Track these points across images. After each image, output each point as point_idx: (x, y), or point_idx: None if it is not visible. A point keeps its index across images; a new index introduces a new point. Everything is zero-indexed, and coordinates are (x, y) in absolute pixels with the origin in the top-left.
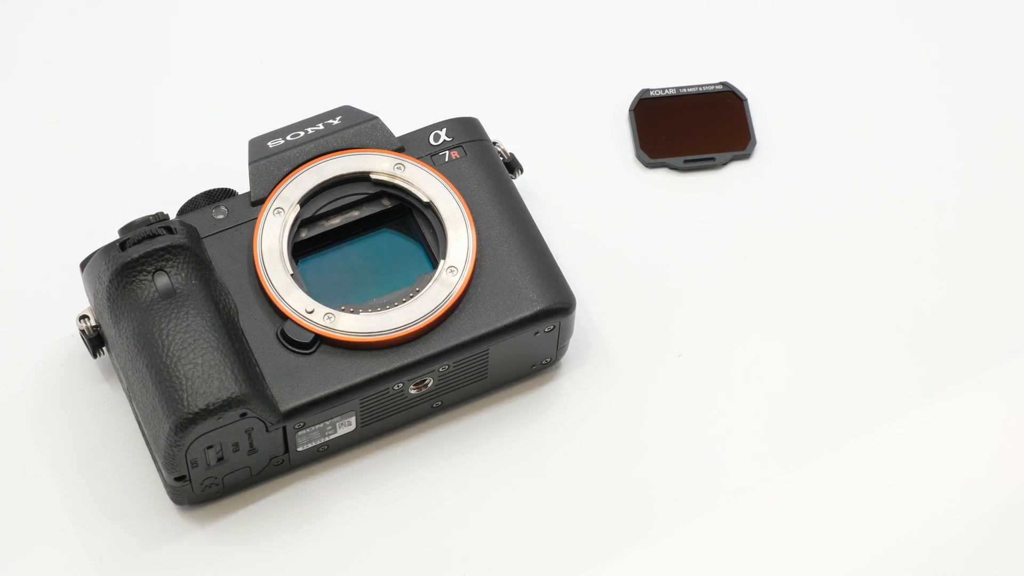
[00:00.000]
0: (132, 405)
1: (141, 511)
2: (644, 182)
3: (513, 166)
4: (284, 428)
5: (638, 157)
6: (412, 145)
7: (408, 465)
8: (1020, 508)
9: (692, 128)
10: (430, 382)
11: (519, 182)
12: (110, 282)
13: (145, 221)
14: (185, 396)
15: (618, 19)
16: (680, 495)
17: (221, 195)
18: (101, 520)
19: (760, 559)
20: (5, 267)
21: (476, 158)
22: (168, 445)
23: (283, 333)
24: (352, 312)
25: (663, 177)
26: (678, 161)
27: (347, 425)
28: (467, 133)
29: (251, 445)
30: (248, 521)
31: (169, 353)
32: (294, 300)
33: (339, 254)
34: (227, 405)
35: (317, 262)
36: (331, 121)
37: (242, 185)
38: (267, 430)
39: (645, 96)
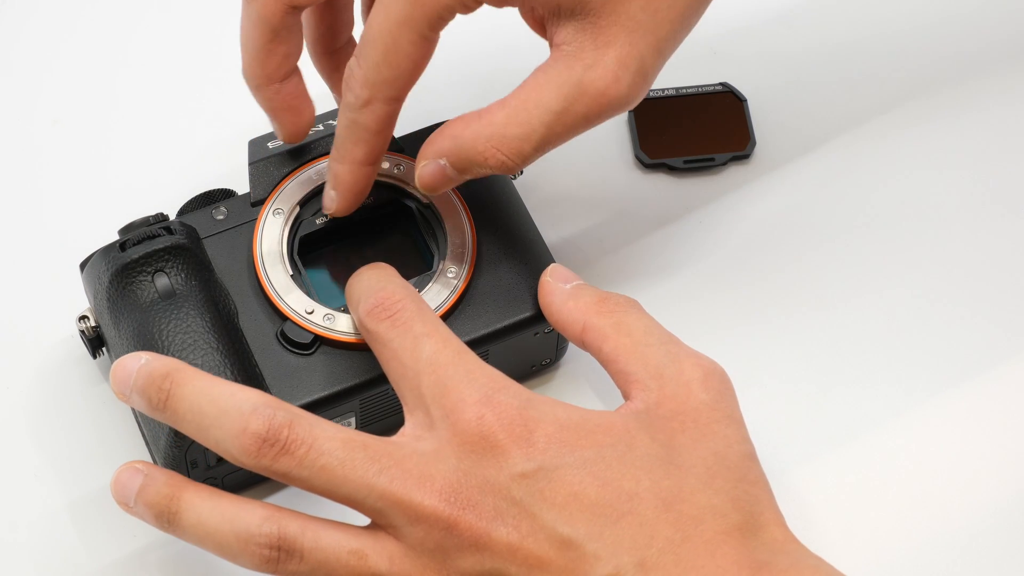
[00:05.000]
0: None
1: None
2: (643, 182)
3: None
4: None
5: (638, 157)
6: (412, 145)
7: None
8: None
9: (692, 128)
10: None
11: (519, 182)
12: (110, 283)
13: (145, 222)
14: None
15: None
16: None
17: (221, 196)
18: (101, 521)
19: None
20: (5, 267)
21: None
22: (168, 445)
23: (283, 334)
24: None
25: (662, 177)
26: (678, 161)
27: (347, 425)
28: None
29: None
30: None
31: (169, 354)
32: (294, 301)
33: (339, 255)
34: None
35: (317, 263)
36: (331, 122)
37: (242, 186)
38: None
39: (645, 96)
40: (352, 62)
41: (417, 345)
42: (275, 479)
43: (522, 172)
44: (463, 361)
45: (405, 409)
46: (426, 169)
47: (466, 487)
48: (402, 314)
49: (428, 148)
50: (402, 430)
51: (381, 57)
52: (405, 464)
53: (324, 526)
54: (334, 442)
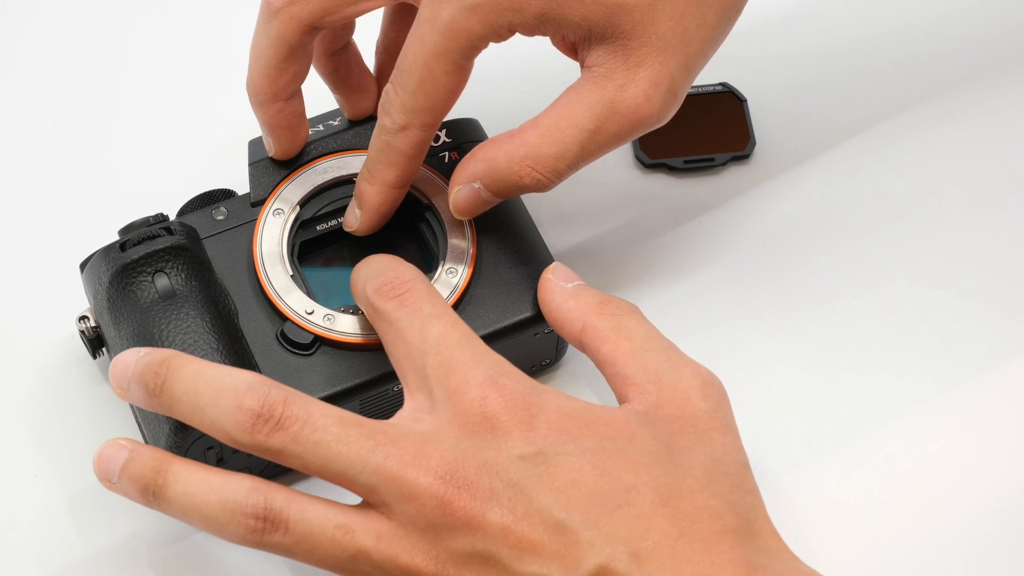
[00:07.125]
0: (132, 406)
1: (141, 512)
2: (643, 182)
3: None
4: None
5: (638, 157)
6: None
7: None
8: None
9: (692, 128)
10: None
11: None
12: (110, 283)
13: (145, 222)
14: None
15: None
16: None
17: (221, 196)
18: (101, 521)
19: None
20: (5, 267)
21: None
22: (168, 446)
23: (283, 334)
24: (352, 313)
25: (662, 177)
26: (678, 161)
27: None
28: (467, 134)
29: None
30: None
31: None
32: (294, 301)
33: (339, 255)
34: None
35: (317, 263)
36: (331, 122)
37: (242, 186)
38: None
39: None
40: (389, 88)
41: (425, 326)
42: (269, 458)
43: None
44: (470, 344)
45: (406, 391)
46: (460, 194)
47: (462, 467)
48: (411, 294)
49: (461, 173)
50: (399, 412)
51: (417, 86)
52: (401, 442)
53: (312, 500)
54: (329, 419)
